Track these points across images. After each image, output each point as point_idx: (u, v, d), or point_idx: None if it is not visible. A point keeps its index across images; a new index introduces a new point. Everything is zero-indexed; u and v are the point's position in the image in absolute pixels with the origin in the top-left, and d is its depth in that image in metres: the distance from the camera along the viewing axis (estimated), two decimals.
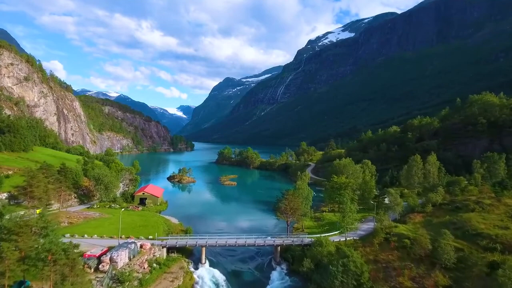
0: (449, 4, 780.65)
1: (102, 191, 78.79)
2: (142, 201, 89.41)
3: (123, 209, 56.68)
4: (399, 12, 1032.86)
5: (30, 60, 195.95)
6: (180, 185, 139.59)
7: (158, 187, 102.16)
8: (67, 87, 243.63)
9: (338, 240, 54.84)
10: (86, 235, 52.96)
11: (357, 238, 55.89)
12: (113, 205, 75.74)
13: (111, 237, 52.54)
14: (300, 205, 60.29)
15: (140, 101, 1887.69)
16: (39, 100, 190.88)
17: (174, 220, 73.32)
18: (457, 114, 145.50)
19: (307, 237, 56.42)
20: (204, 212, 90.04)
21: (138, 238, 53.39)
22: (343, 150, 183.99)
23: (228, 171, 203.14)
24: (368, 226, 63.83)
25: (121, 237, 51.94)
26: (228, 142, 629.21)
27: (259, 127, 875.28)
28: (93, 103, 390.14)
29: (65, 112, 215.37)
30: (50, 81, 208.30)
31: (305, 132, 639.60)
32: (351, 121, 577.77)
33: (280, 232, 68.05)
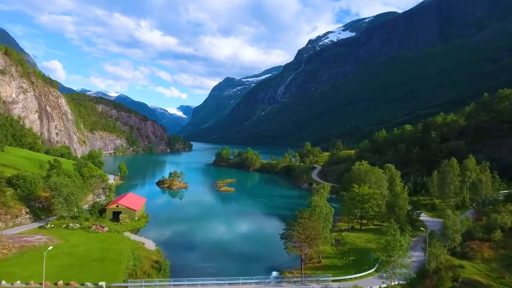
0: (451, 3, 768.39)
1: (60, 205, 61.56)
2: (116, 216, 72.15)
3: (50, 248, 38.09)
4: (399, 11, 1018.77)
5: (8, 52, 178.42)
6: (170, 191, 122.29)
7: (138, 197, 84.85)
8: (52, 83, 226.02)
9: (378, 287, 37.75)
10: (4, 282, 35.71)
11: (404, 282, 38.81)
12: (71, 224, 58.37)
13: (40, 284, 35.25)
14: (320, 232, 43.13)
15: (140, 101, 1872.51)
16: (17, 96, 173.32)
17: (150, 245, 56.10)
18: (483, 110, 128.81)
19: (332, 280, 39.33)
20: (192, 230, 72.66)
21: (82, 285, 36.14)
22: (352, 151, 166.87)
23: (226, 174, 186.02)
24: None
25: (56, 284, 34.68)
26: (228, 142, 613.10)
27: (259, 127, 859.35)
28: (86, 101, 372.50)
29: (49, 109, 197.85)
30: (31, 75, 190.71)
31: (305, 132, 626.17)
32: (352, 121, 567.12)
33: (291, 263, 50.81)
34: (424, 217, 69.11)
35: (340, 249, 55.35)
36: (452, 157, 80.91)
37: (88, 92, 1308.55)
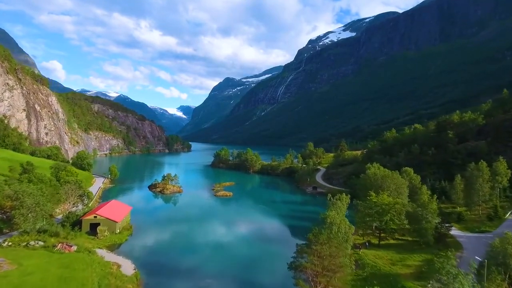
0: (452, 3, 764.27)
1: (22, 218, 51.56)
2: (93, 228, 62.17)
3: None
4: (399, 11, 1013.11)
5: None
6: (163, 196, 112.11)
7: (122, 205, 74.63)
8: (42, 80, 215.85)
9: None
10: None
11: None
12: (32, 242, 48.29)
13: None
14: (342, 264, 33.12)
15: (140, 101, 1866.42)
16: (2, 94, 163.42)
17: (127, 268, 46.00)
18: (501, 108, 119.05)
19: None
20: (181, 245, 62.60)
21: None
22: (358, 152, 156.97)
23: (224, 176, 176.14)
24: None
25: None
26: (228, 142, 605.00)
27: (259, 127, 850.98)
28: (81, 101, 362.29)
29: (38, 108, 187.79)
30: (19, 72, 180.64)
31: (306, 132, 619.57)
32: (352, 121, 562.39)
33: None
34: (453, 230, 59.12)
35: (359, 273, 45.22)
36: (481, 160, 70.86)
37: (88, 92, 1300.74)
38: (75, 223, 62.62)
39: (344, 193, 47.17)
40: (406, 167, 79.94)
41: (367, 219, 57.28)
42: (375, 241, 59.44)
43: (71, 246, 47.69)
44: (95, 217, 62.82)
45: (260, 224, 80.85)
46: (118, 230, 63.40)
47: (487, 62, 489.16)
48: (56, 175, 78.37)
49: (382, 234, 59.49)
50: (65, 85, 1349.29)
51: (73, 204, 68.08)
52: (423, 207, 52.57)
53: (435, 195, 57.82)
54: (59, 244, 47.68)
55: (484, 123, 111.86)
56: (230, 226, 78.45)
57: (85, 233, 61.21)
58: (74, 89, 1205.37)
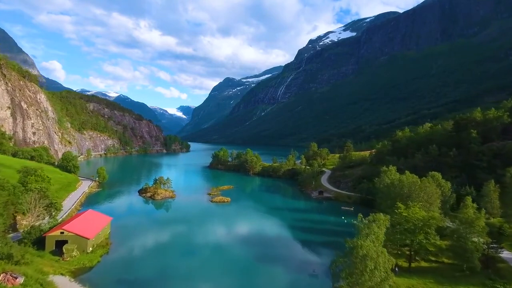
0: (454, 2, 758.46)
1: None
2: (60, 246, 51.11)
3: None
4: (400, 11, 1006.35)
5: None
6: (153, 202, 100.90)
7: (100, 216, 63.33)
8: (30, 77, 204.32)
9: None
10: None
11: None
12: None
13: None
14: None
15: (140, 101, 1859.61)
16: None
17: None
18: None
19: None
20: (164, 268, 51.58)
21: None
22: (367, 153, 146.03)
23: (222, 178, 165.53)
24: None
25: None
26: (228, 142, 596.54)
27: (259, 127, 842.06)
28: (75, 99, 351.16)
29: (24, 106, 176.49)
30: (3, 67, 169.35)
31: (306, 133, 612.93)
32: (353, 121, 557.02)
33: None
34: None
35: None
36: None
37: (88, 92, 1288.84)
38: (38, 240, 51.65)
39: (381, 213, 36.07)
40: (433, 172, 68.84)
41: (396, 238, 46.05)
42: (403, 263, 48.44)
43: (16, 278, 36.57)
44: (62, 233, 51.71)
45: (261, 238, 69.63)
46: (90, 249, 52.33)
47: (489, 62, 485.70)
48: (23, 181, 67.34)
49: (412, 254, 48.46)
50: (65, 85, 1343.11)
51: (37, 216, 56.98)
52: (469, 225, 41.77)
53: (483, 209, 46.81)
54: (1, 275, 36.61)
55: (510, 121, 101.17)
56: (226, 241, 67.23)
57: (49, 252, 50.18)
58: (74, 89, 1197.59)
